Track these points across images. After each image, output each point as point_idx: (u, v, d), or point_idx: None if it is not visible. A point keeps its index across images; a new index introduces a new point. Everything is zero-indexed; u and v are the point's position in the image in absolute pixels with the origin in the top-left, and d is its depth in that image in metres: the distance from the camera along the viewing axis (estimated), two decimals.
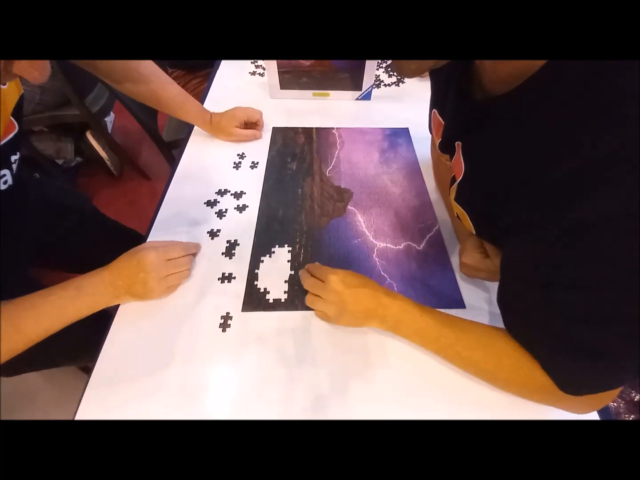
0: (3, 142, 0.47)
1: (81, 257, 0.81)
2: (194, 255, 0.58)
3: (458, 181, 0.44)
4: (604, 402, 0.37)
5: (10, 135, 0.49)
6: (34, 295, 0.45)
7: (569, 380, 0.35)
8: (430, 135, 0.69)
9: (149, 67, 0.67)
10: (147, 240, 0.60)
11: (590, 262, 0.27)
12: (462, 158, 0.42)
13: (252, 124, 0.78)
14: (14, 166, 0.51)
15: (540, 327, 0.34)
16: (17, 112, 0.50)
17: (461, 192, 0.44)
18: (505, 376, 0.41)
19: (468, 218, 0.43)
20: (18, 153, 0.52)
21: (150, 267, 0.49)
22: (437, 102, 0.50)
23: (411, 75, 0.36)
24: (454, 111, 0.44)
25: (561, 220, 0.28)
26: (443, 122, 0.47)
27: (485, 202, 0.39)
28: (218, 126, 0.76)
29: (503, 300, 0.39)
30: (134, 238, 0.62)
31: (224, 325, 0.51)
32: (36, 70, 0.34)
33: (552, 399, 0.39)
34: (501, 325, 0.42)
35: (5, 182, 0.49)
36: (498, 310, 0.49)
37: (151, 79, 0.67)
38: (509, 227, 0.35)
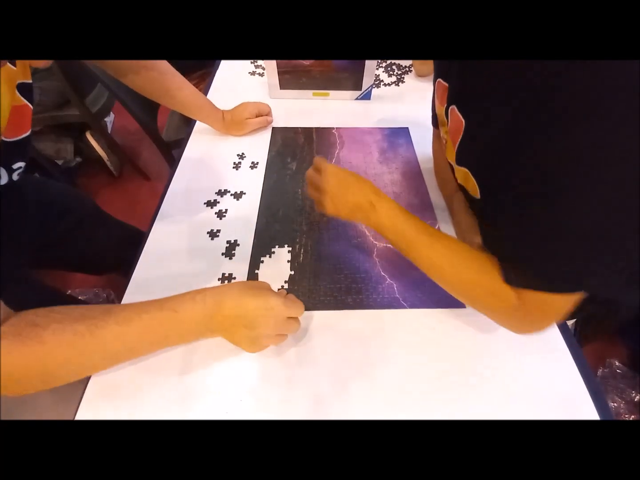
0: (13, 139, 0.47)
1: (82, 256, 0.81)
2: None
3: (459, 141, 0.45)
4: (545, 320, 0.38)
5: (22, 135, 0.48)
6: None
7: (517, 272, 0.36)
8: (429, 135, 0.69)
9: (163, 65, 0.67)
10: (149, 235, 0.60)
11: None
12: (460, 115, 0.44)
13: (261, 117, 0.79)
14: (14, 174, 0.50)
15: (511, 224, 0.36)
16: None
17: (462, 150, 0.46)
18: (458, 273, 0.42)
19: (474, 180, 0.45)
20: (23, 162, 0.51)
21: (271, 321, 0.42)
22: (442, 69, 0.51)
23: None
24: (457, 70, 0.45)
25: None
26: (447, 84, 0.48)
27: (486, 152, 0.40)
28: (231, 121, 0.76)
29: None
30: (136, 235, 0.62)
31: None
32: None
33: (496, 304, 0.40)
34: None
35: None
36: None
37: (166, 77, 0.68)
38: (508, 177, 0.36)
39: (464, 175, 0.47)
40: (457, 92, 0.46)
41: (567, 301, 0.35)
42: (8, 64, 0.43)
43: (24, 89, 0.47)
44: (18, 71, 0.46)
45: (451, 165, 0.51)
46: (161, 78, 0.67)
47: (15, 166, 0.49)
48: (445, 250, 0.43)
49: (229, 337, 0.44)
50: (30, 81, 0.49)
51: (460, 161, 0.47)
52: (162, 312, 0.39)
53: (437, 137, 0.66)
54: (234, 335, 0.43)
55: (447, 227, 0.62)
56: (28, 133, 0.49)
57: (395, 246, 0.47)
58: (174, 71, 0.69)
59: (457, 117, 0.45)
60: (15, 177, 0.49)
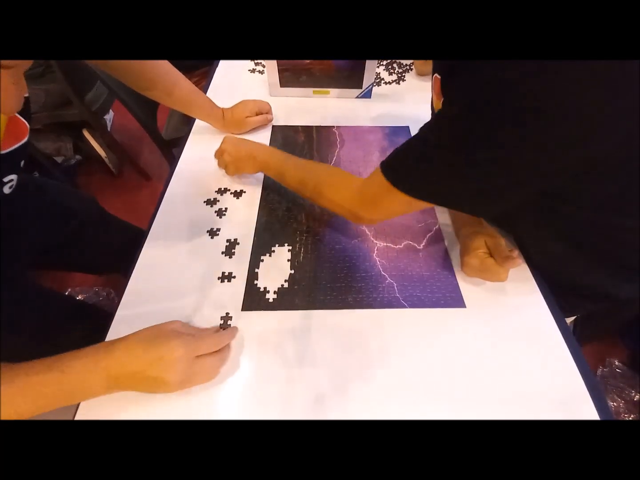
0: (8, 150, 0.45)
1: (86, 258, 0.81)
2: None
3: None
4: (373, 207, 0.49)
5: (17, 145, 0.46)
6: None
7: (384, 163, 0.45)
8: None
9: (163, 64, 0.66)
10: (148, 236, 0.60)
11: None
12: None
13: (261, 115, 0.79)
14: (5, 187, 0.47)
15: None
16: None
17: None
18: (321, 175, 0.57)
19: None
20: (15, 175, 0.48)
21: (176, 368, 0.39)
22: (436, 63, 0.52)
23: None
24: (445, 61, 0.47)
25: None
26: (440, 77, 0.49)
27: None
28: (231, 120, 0.76)
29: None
30: (139, 236, 0.61)
31: (224, 326, 0.51)
32: (10, 99, 0.30)
33: (344, 191, 0.52)
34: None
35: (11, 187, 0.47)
36: (499, 311, 0.49)
37: (165, 76, 0.67)
38: None
39: None
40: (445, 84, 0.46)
41: (395, 199, 0.44)
42: None
43: None
44: None
45: None
46: (161, 77, 0.66)
47: (6, 179, 0.47)
48: (313, 167, 0.59)
49: (138, 390, 0.42)
50: (27, 94, 0.48)
51: None
52: (50, 373, 0.36)
53: None
54: (142, 389, 0.41)
55: (447, 227, 0.62)
56: (20, 144, 0.47)
57: (276, 178, 0.63)
58: (174, 69, 0.68)
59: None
60: (6, 190, 0.47)
